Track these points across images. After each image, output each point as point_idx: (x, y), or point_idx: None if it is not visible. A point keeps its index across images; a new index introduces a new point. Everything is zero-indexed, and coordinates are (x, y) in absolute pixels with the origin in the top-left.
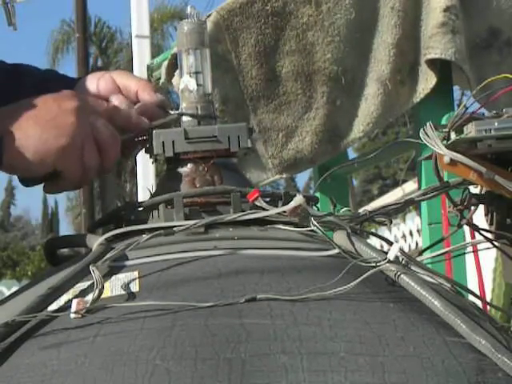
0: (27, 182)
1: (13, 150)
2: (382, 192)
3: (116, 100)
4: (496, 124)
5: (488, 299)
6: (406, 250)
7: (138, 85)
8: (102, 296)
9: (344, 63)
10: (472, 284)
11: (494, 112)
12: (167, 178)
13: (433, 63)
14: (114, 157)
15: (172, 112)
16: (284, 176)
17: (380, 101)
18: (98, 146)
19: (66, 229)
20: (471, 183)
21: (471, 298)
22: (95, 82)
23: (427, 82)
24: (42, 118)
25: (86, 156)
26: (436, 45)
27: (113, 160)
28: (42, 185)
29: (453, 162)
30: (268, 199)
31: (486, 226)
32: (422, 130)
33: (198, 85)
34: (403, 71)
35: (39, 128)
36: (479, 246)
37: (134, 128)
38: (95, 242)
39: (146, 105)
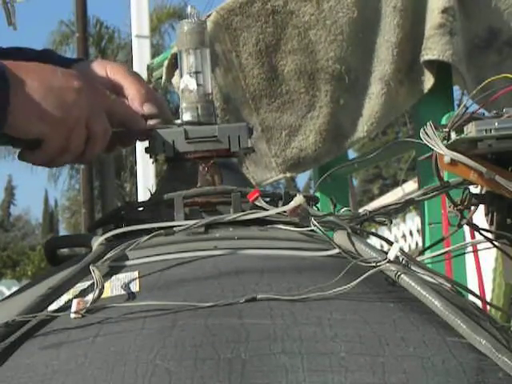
0: (8, 141)
1: (11, 104)
2: (382, 192)
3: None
4: (496, 124)
5: (488, 299)
6: (406, 250)
7: (129, 92)
8: (102, 296)
9: (347, 62)
10: (472, 284)
11: (495, 112)
12: (167, 178)
13: (430, 64)
14: (97, 150)
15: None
16: (288, 175)
17: (384, 100)
18: (88, 135)
19: (65, 229)
20: (471, 183)
21: (471, 297)
22: (94, 74)
23: (425, 82)
24: (46, 84)
25: (72, 138)
26: (433, 46)
27: (95, 153)
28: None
29: (453, 162)
30: (268, 199)
31: (486, 226)
32: (422, 130)
33: (198, 85)
34: (402, 71)
35: (41, 92)
36: (479, 246)
37: (130, 122)
38: (95, 241)
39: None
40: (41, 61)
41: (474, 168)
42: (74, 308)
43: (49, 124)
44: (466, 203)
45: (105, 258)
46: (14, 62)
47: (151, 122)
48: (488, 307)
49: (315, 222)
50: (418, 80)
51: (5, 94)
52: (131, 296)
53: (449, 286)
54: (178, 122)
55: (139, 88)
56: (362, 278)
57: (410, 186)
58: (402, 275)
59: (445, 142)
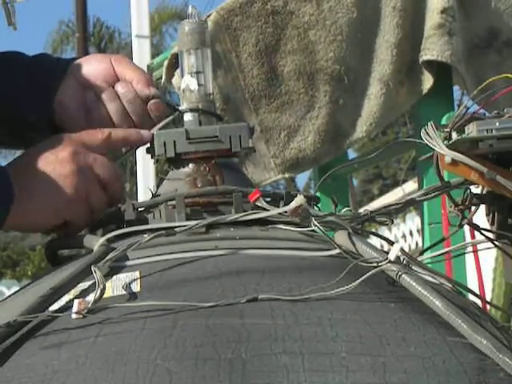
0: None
1: (18, 211)
2: (382, 192)
3: (121, 89)
4: (497, 124)
5: (488, 299)
6: (406, 250)
7: (134, 75)
8: (104, 296)
9: (347, 62)
10: (472, 284)
11: (495, 112)
12: (168, 178)
13: (430, 65)
14: (119, 191)
15: (179, 108)
16: (286, 175)
17: (383, 101)
18: (102, 185)
19: None
20: (472, 183)
21: (471, 297)
22: (95, 65)
23: (424, 83)
24: (41, 174)
25: (92, 200)
26: (432, 46)
27: (118, 194)
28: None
29: (454, 162)
30: (269, 199)
31: (486, 226)
32: (423, 130)
33: (199, 85)
34: (402, 71)
35: (41, 184)
36: (479, 246)
37: (135, 144)
38: (96, 242)
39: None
40: (34, 66)
41: (475, 168)
42: (75, 308)
43: (65, 209)
44: (467, 203)
45: (106, 258)
46: (8, 168)
47: (153, 102)
48: (488, 307)
49: (316, 222)
50: (417, 80)
51: (6, 208)
52: (132, 296)
53: (449, 285)
54: (181, 108)
55: (142, 72)
56: (363, 278)
57: (410, 186)
58: (403, 275)
59: (446, 142)
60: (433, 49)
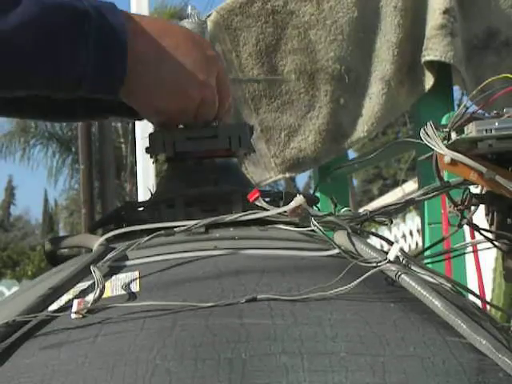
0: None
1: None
2: (382, 192)
3: None
4: (497, 124)
5: (488, 299)
6: (406, 250)
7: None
8: (103, 296)
9: (347, 62)
10: (472, 284)
11: (495, 112)
12: (168, 178)
13: (431, 64)
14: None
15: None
16: (287, 175)
17: (384, 100)
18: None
19: (63, 228)
20: (472, 183)
21: (471, 297)
22: None
23: (425, 82)
24: (187, 58)
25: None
26: (435, 47)
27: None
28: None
29: (453, 162)
30: (268, 199)
31: (486, 226)
32: (422, 130)
33: None
34: (403, 71)
35: (184, 65)
36: (479, 246)
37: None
38: (96, 242)
39: None
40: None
41: (474, 168)
42: (74, 308)
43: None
44: (466, 203)
45: (105, 258)
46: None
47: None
48: (488, 307)
49: (315, 222)
50: (418, 80)
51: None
52: (132, 296)
53: (449, 286)
54: None
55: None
56: (362, 278)
57: (410, 186)
58: (403, 275)
59: (445, 141)
60: (436, 49)
